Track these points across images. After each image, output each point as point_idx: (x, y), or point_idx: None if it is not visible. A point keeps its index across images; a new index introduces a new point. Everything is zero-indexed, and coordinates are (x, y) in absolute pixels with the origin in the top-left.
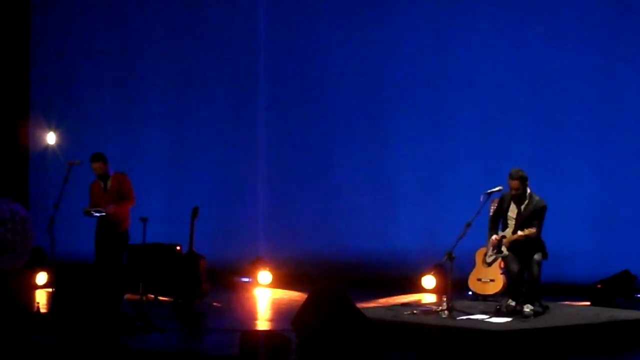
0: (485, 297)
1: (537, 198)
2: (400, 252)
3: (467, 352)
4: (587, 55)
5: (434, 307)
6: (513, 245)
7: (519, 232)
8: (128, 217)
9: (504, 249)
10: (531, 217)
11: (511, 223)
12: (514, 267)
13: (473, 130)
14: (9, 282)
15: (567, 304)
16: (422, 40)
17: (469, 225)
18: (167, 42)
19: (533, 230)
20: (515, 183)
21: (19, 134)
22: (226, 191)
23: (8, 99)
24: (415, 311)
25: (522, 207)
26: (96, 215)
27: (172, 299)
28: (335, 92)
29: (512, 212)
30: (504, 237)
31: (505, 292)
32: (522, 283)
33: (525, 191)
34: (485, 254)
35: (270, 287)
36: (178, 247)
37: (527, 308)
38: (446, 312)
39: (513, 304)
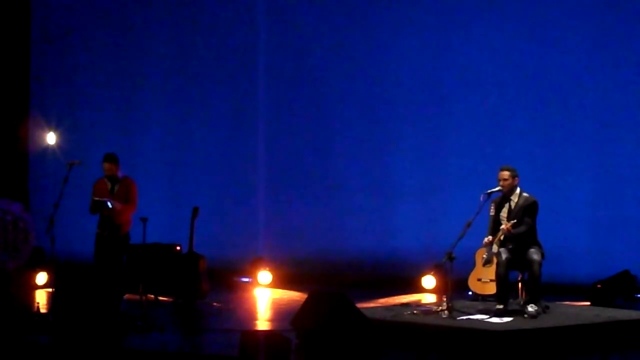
0: (485, 297)
1: (526, 195)
2: (400, 252)
3: (467, 352)
4: (586, 55)
5: (434, 307)
6: (506, 244)
7: (502, 226)
8: (130, 221)
9: (494, 246)
10: (521, 213)
11: (503, 223)
12: (502, 260)
13: (473, 130)
14: (9, 282)
15: (567, 304)
16: (422, 40)
17: (469, 225)
18: (167, 41)
19: (514, 221)
20: (504, 173)
21: (19, 134)
22: (226, 191)
23: (8, 99)
24: (415, 311)
25: (512, 204)
26: (106, 205)
27: (172, 299)
28: (335, 92)
29: (504, 212)
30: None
31: (495, 295)
32: (509, 282)
33: (515, 188)
34: (483, 258)
35: (270, 287)
36: (178, 247)
37: (531, 308)
38: (446, 312)
39: (501, 307)
